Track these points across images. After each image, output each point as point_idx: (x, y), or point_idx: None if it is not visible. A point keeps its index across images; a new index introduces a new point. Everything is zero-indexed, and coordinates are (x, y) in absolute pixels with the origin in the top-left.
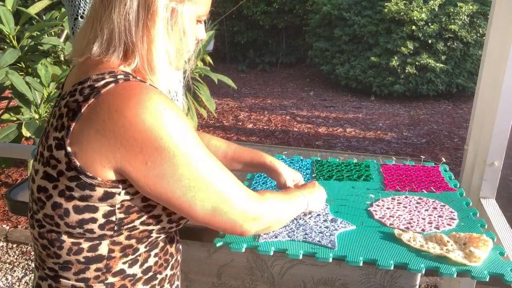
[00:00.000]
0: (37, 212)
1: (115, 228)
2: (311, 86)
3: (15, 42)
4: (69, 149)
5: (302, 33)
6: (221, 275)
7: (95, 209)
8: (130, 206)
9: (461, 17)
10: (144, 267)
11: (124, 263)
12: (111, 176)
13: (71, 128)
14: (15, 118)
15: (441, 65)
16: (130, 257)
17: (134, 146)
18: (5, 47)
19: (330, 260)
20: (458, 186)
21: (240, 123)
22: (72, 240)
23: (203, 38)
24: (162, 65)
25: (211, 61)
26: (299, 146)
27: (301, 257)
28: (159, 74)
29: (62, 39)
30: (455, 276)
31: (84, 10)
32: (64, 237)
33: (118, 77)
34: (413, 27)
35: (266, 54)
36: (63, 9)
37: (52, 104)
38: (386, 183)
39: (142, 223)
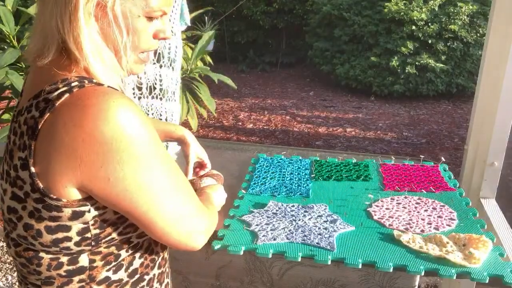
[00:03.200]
0: (11, 232)
1: (92, 243)
2: (311, 86)
3: (15, 42)
4: (32, 169)
5: (302, 33)
6: (220, 277)
7: (68, 228)
8: (104, 220)
9: (461, 17)
10: (129, 270)
11: (108, 270)
12: (76, 195)
13: (33, 147)
14: None
15: (441, 65)
16: (113, 263)
17: (95, 162)
18: (5, 47)
19: (329, 262)
20: (457, 186)
21: (240, 123)
22: (50, 256)
23: (165, 37)
24: (99, 66)
25: (211, 61)
26: (299, 146)
27: (299, 259)
28: (100, 76)
29: None
30: (454, 277)
31: None
32: (42, 254)
33: (72, 85)
34: (413, 27)
35: (266, 54)
36: None
37: None
38: (385, 183)
39: (119, 234)
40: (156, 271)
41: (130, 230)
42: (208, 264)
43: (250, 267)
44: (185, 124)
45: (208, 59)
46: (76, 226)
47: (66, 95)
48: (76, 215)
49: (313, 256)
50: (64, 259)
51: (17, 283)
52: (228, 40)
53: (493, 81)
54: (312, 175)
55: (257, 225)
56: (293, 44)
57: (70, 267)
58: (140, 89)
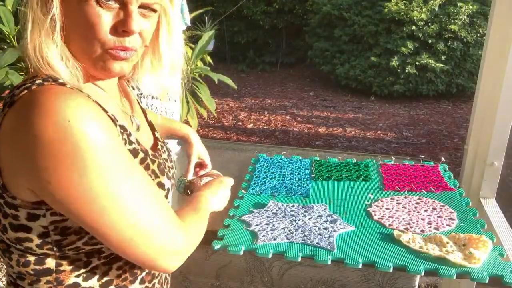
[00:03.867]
0: None
1: (54, 249)
2: (311, 86)
3: (15, 42)
4: None
5: (302, 33)
6: (220, 277)
7: (28, 229)
8: (66, 227)
9: (461, 17)
10: (103, 280)
11: (77, 276)
12: (29, 196)
13: None
14: None
15: (441, 65)
16: (83, 270)
17: (37, 163)
18: (5, 47)
19: (329, 262)
20: (457, 186)
21: (240, 123)
22: (19, 252)
23: (125, 29)
24: (44, 61)
25: (211, 61)
26: (299, 146)
27: (299, 259)
28: (51, 72)
29: None
30: (454, 277)
31: None
32: (12, 249)
33: (36, 81)
34: (413, 27)
35: (266, 54)
36: None
37: None
38: (385, 183)
39: (85, 244)
40: (137, 285)
41: (98, 242)
42: (208, 264)
43: (250, 267)
44: (185, 124)
45: (208, 59)
46: (37, 228)
47: (25, 91)
48: (31, 218)
49: (313, 256)
50: (31, 258)
51: None
52: (228, 40)
53: (493, 81)
54: (312, 175)
55: (257, 225)
56: (293, 44)
57: (37, 267)
58: (139, 88)
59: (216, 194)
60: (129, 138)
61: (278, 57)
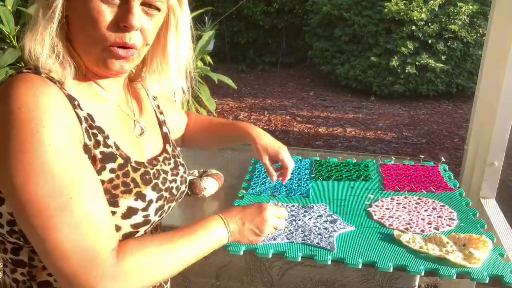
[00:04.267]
0: None
1: (21, 239)
2: (311, 86)
3: (15, 42)
4: None
5: (302, 33)
6: (220, 277)
7: (0, 215)
8: None
9: (461, 17)
10: None
11: (49, 275)
12: None
13: None
14: None
15: (441, 65)
16: None
17: None
18: (5, 47)
19: (329, 262)
20: (457, 186)
21: None
22: (0, 238)
23: (126, 24)
24: (43, 57)
25: (211, 61)
26: (299, 146)
27: (299, 259)
28: (44, 68)
29: None
30: (454, 277)
31: None
32: None
33: (24, 70)
34: (413, 27)
35: (266, 54)
36: None
37: None
38: (385, 183)
39: None
40: None
41: None
42: (208, 264)
43: (250, 267)
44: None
45: (208, 59)
46: (5, 214)
47: (9, 78)
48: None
49: (313, 256)
50: (8, 246)
51: None
52: (228, 40)
53: (493, 81)
54: (312, 175)
55: None
56: (293, 44)
57: (13, 257)
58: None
59: (246, 222)
60: (105, 140)
61: (278, 57)
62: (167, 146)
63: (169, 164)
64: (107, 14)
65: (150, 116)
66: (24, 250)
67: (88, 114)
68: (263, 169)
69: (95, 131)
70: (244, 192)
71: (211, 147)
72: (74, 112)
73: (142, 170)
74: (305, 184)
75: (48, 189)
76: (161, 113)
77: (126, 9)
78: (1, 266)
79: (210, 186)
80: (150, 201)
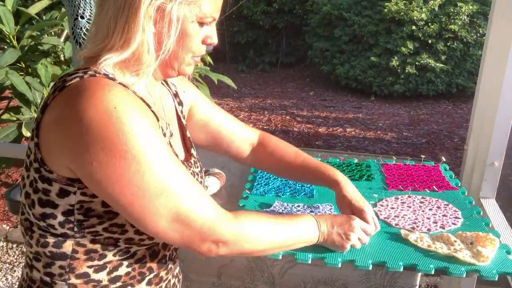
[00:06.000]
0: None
1: (75, 229)
2: (311, 86)
3: (15, 42)
4: (36, 139)
5: (302, 33)
6: (221, 275)
7: (55, 206)
8: (90, 209)
9: (461, 17)
10: (112, 275)
11: (89, 267)
12: (66, 172)
13: (40, 119)
14: (15, 118)
15: (441, 65)
16: (97, 262)
17: (80, 144)
18: (5, 47)
19: (339, 264)
20: (459, 185)
21: None
22: (40, 232)
23: (213, 42)
24: (145, 67)
25: (211, 61)
26: (299, 146)
27: (310, 261)
28: (140, 77)
29: (62, 39)
30: (464, 276)
31: (84, 10)
32: (35, 228)
33: (88, 72)
34: (413, 27)
35: (266, 54)
36: (63, 9)
37: None
38: (388, 183)
39: (105, 230)
40: (144, 286)
41: (117, 231)
42: (209, 263)
43: (252, 265)
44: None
45: (208, 59)
46: (63, 206)
47: (77, 79)
48: (62, 193)
49: (323, 258)
50: (50, 239)
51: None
52: (228, 40)
53: (493, 81)
54: None
55: None
56: (293, 44)
57: (54, 250)
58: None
59: (334, 226)
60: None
61: (278, 57)
62: (193, 150)
63: (197, 167)
64: (201, 33)
65: (174, 119)
66: (69, 243)
67: (152, 110)
68: None
69: (161, 129)
70: (248, 192)
71: (281, 177)
72: (152, 112)
73: (190, 170)
74: (309, 185)
75: (162, 168)
76: (184, 117)
77: (212, 29)
78: (25, 262)
79: (212, 185)
80: None
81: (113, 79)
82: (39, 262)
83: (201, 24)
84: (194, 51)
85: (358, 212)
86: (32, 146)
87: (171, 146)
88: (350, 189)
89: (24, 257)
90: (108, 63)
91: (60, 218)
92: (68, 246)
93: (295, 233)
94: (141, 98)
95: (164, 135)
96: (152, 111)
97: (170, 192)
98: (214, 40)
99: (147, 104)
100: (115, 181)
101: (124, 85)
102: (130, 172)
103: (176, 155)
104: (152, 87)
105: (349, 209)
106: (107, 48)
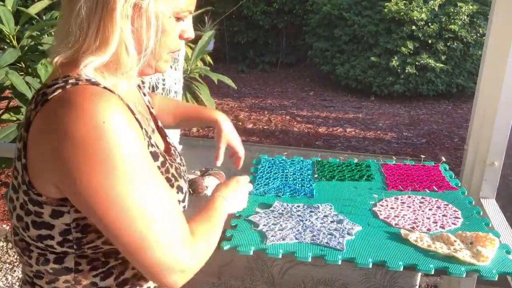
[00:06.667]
0: (11, 221)
1: (75, 247)
2: (311, 86)
3: (15, 42)
4: (23, 160)
5: (302, 33)
6: (221, 275)
7: (50, 226)
8: (87, 225)
9: (461, 17)
10: (120, 279)
11: (95, 276)
12: (55, 193)
13: (26, 139)
14: (15, 118)
15: (441, 65)
16: (101, 269)
17: (68, 161)
18: (5, 47)
19: (339, 262)
20: (459, 184)
21: (240, 123)
22: (39, 251)
23: (190, 36)
24: (127, 69)
25: (211, 61)
26: (299, 146)
27: (310, 259)
28: (123, 78)
29: None
30: (464, 276)
31: None
32: (32, 247)
33: (69, 81)
34: (413, 27)
35: (266, 54)
36: None
37: None
38: (388, 183)
39: (104, 243)
40: (150, 284)
41: None
42: (209, 263)
43: (252, 265)
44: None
45: (208, 59)
46: (59, 226)
47: (59, 90)
48: (55, 215)
49: (323, 256)
50: (51, 256)
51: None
52: (228, 40)
53: (493, 81)
54: (314, 176)
55: (264, 225)
56: (293, 44)
57: (56, 266)
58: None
59: (235, 195)
60: (150, 141)
61: (278, 57)
62: (168, 139)
63: (177, 156)
64: (178, 28)
65: (147, 111)
66: (70, 257)
67: (137, 117)
68: (265, 170)
69: (145, 133)
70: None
71: (171, 127)
72: (135, 119)
73: (175, 164)
74: (309, 185)
75: (149, 189)
76: (152, 107)
77: (188, 23)
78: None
79: (212, 185)
80: (185, 192)
81: (97, 84)
82: (42, 280)
83: (178, 18)
84: (171, 47)
85: (232, 149)
86: (19, 167)
87: (155, 145)
88: (226, 127)
89: (22, 273)
90: (89, 68)
91: (58, 238)
92: (70, 261)
93: (221, 224)
94: (127, 104)
95: (150, 137)
96: (136, 118)
97: (148, 217)
98: (191, 34)
99: (131, 111)
100: (98, 200)
101: (108, 89)
102: (116, 192)
103: (163, 153)
104: (131, 84)
105: (225, 144)
106: (82, 50)
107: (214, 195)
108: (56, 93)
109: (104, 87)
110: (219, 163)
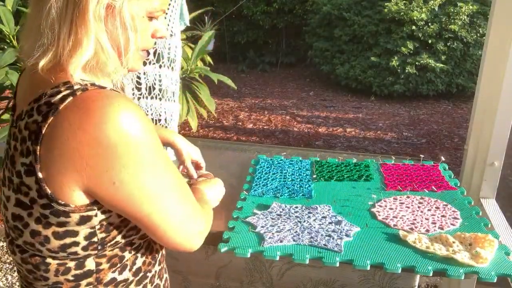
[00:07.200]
0: (16, 239)
1: (99, 247)
2: (311, 86)
3: (15, 42)
4: (40, 175)
5: (302, 33)
6: (220, 277)
7: (75, 233)
8: (110, 223)
9: (461, 17)
10: (133, 269)
11: (113, 272)
12: (84, 199)
13: (37, 152)
14: None
15: (441, 65)
16: (119, 265)
17: (100, 166)
18: (5, 47)
19: (337, 264)
20: (458, 184)
21: (240, 123)
22: (57, 261)
23: (162, 35)
24: (106, 66)
25: (211, 61)
26: (299, 146)
27: (307, 261)
28: (97, 77)
29: None
30: (463, 278)
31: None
32: (49, 260)
33: (75, 88)
34: (413, 27)
35: (266, 54)
36: None
37: None
38: (387, 183)
39: (123, 237)
40: (156, 267)
41: (133, 233)
42: (207, 264)
43: (250, 267)
44: (185, 124)
45: (208, 59)
46: (84, 231)
47: (70, 98)
48: (83, 220)
49: (321, 258)
50: (71, 264)
51: None
52: (228, 40)
53: (493, 81)
54: (313, 176)
55: (262, 227)
56: (293, 44)
57: (78, 272)
58: (139, 89)
59: (213, 190)
60: None
61: (278, 57)
62: None
63: None
64: (150, 27)
65: None
66: (90, 260)
67: None
68: (264, 170)
69: None
70: (246, 193)
71: None
72: None
73: None
74: (307, 185)
75: (170, 177)
76: None
77: (161, 22)
78: None
79: None
80: None
81: (103, 87)
82: None
83: (151, 18)
84: (144, 46)
85: (195, 162)
86: (30, 182)
87: None
88: (184, 146)
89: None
90: (78, 72)
91: (83, 243)
92: (90, 262)
93: (211, 207)
94: None
95: None
96: None
97: (176, 199)
98: (164, 33)
99: None
100: (137, 196)
101: (115, 90)
102: (149, 184)
103: None
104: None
105: (189, 161)
106: (60, 54)
107: (194, 188)
108: (66, 102)
109: (111, 89)
110: (196, 176)
